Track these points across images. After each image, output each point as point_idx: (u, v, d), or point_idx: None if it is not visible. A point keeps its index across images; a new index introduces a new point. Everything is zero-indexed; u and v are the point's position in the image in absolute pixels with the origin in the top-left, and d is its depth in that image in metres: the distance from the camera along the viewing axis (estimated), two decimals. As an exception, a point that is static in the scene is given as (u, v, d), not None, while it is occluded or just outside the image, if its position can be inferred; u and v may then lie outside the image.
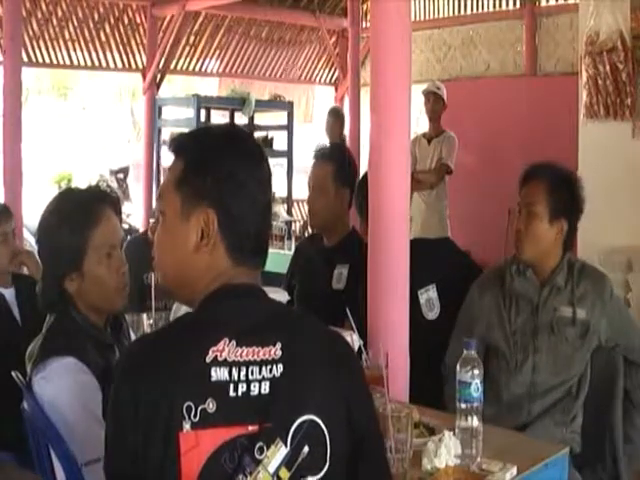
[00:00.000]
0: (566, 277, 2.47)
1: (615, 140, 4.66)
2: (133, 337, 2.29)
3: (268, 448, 1.26)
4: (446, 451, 1.79)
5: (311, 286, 3.20)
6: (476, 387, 1.88)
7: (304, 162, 4.64)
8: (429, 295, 2.85)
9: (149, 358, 1.31)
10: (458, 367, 1.90)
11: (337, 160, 3.17)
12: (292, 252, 4.04)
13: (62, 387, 1.89)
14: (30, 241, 5.91)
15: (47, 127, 14.82)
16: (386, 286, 2.31)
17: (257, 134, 8.06)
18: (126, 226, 5.54)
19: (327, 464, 1.28)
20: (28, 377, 1.97)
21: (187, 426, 1.24)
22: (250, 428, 1.26)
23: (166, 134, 7.75)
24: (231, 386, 1.27)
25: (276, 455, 1.26)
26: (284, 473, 1.26)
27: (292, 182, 7.89)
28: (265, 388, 1.28)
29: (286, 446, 1.26)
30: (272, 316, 1.36)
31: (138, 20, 7.72)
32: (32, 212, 4.98)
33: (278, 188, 8.20)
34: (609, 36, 4.60)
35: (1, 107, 5.08)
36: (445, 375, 2.58)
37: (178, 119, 7.97)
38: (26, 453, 2.04)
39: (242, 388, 1.27)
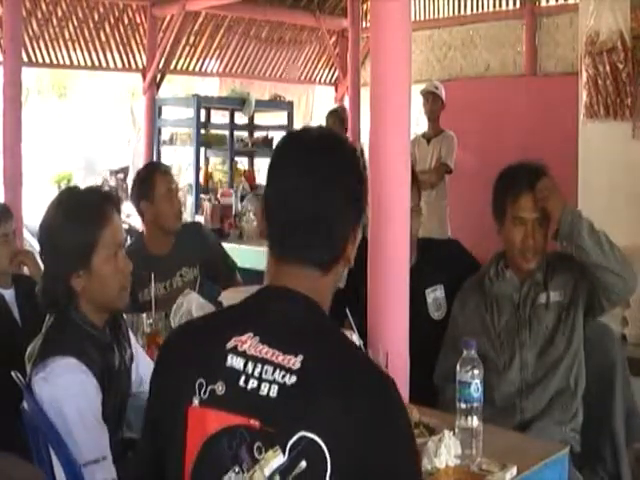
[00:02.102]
0: (545, 270, 2.49)
1: (615, 140, 4.66)
2: (132, 337, 2.30)
3: (266, 451, 1.26)
4: (446, 451, 1.79)
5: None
6: (476, 387, 1.88)
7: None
8: (436, 295, 2.85)
9: (181, 338, 1.43)
10: (458, 367, 1.91)
11: None
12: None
13: (62, 387, 1.89)
14: (30, 241, 5.91)
15: (47, 127, 14.81)
16: (386, 286, 2.31)
17: (257, 134, 8.07)
18: (126, 226, 5.54)
19: None
20: (28, 377, 1.97)
21: (196, 401, 1.31)
22: (252, 422, 1.28)
23: (166, 134, 7.75)
24: (243, 377, 1.30)
25: (273, 460, 1.26)
26: None
27: (292, 182, 7.88)
28: (274, 392, 1.28)
29: (284, 455, 1.26)
30: (304, 327, 1.34)
31: (138, 20, 7.72)
32: (32, 212, 4.98)
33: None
34: (609, 36, 4.60)
35: (1, 107, 5.07)
36: (439, 386, 2.57)
37: (178, 119, 7.97)
38: (26, 453, 2.04)
39: (252, 384, 1.29)
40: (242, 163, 8.07)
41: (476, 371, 1.88)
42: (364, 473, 1.25)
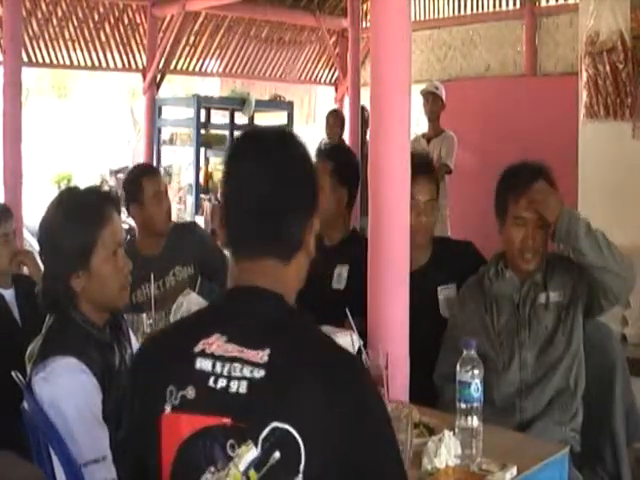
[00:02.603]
0: (544, 271, 2.49)
1: (615, 140, 4.66)
2: (133, 337, 2.30)
3: (239, 446, 1.29)
4: (446, 451, 1.79)
5: (310, 286, 3.19)
6: (476, 387, 1.88)
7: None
8: (449, 293, 2.84)
9: (150, 349, 1.46)
10: (458, 367, 1.91)
11: (336, 159, 3.16)
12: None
13: (62, 387, 1.89)
14: (30, 241, 5.91)
15: (47, 127, 14.81)
16: (386, 286, 2.31)
17: (257, 134, 8.05)
18: (126, 226, 5.54)
19: (300, 477, 1.26)
20: (28, 377, 1.97)
21: (168, 409, 1.33)
22: (224, 420, 1.30)
23: (166, 134, 7.75)
24: (212, 378, 1.32)
25: (246, 455, 1.28)
26: (253, 475, 1.28)
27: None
28: (243, 388, 1.30)
29: (257, 448, 1.27)
30: (271, 322, 1.37)
31: (138, 20, 7.72)
32: (32, 212, 4.98)
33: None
34: (609, 36, 4.59)
35: (1, 107, 5.07)
36: (439, 386, 2.57)
37: (178, 119, 7.97)
38: (27, 453, 2.04)
39: (222, 383, 1.32)
40: (242, 163, 8.06)
41: (476, 371, 1.89)
42: (342, 459, 1.27)
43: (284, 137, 1.47)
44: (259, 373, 1.29)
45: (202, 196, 6.75)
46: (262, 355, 1.31)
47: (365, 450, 1.29)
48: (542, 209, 2.39)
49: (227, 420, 1.29)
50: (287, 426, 1.26)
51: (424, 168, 2.89)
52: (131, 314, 2.72)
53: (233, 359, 1.32)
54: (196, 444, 1.31)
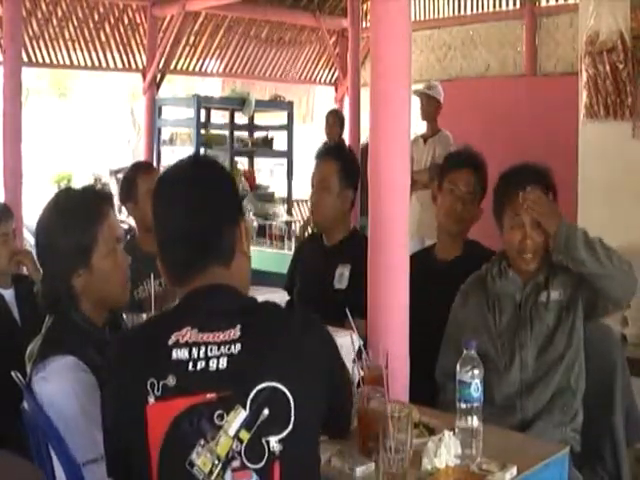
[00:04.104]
0: (547, 273, 2.49)
1: (615, 140, 4.65)
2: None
3: (228, 414, 1.36)
4: (446, 451, 1.79)
5: (312, 286, 3.19)
6: (476, 387, 1.88)
7: (304, 162, 4.64)
8: None
9: (124, 347, 1.53)
10: (458, 367, 1.90)
11: (343, 159, 3.16)
12: (292, 252, 4.03)
13: (62, 386, 1.89)
14: (30, 241, 5.91)
15: (47, 127, 14.81)
16: (386, 286, 2.31)
17: (257, 134, 8.06)
18: (126, 226, 5.54)
19: (291, 425, 1.37)
20: (28, 377, 1.97)
21: (152, 400, 1.39)
22: (208, 396, 1.37)
23: (166, 134, 7.75)
24: (190, 363, 1.40)
25: (236, 419, 1.35)
26: (244, 434, 1.36)
27: (292, 182, 7.89)
28: (223, 363, 1.39)
29: (245, 410, 1.36)
30: (236, 306, 1.49)
31: (138, 20, 7.73)
32: (32, 212, 4.98)
33: (278, 188, 8.21)
34: (609, 36, 4.59)
35: (1, 107, 5.07)
36: (440, 382, 2.57)
37: (178, 119, 7.97)
38: (26, 452, 2.04)
39: (201, 364, 1.40)
40: (242, 163, 8.08)
41: (476, 371, 1.88)
42: (323, 399, 1.47)
43: (194, 169, 1.63)
44: (236, 348, 1.40)
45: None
46: (234, 332, 1.41)
47: (338, 388, 1.57)
48: (541, 221, 2.39)
49: (212, 395, 1.37)
50: (274, 383, 1.37)
51: (470, 161, 2.99)
52: (131, 314, 2.72)
53: (208, 343, 1.41)
54: (182, 423, 1.37)
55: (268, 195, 7.82)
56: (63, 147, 14.73)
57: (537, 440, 2.21)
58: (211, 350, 1.40)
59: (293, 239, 6.20)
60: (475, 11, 7.88)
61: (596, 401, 2.47)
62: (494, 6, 7.71)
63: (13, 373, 2.00)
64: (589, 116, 4.72)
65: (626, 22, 4.57)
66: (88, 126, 15.37)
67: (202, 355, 1.40)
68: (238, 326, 1.42)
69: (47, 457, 1.89)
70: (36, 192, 8.21)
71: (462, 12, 7.99)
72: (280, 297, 2.80)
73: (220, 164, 1.70)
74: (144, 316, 2.85)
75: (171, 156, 8.27)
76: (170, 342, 1.42)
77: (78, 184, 2.33)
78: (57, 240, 2.00)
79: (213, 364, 1.39)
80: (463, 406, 1.89)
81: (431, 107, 5.94)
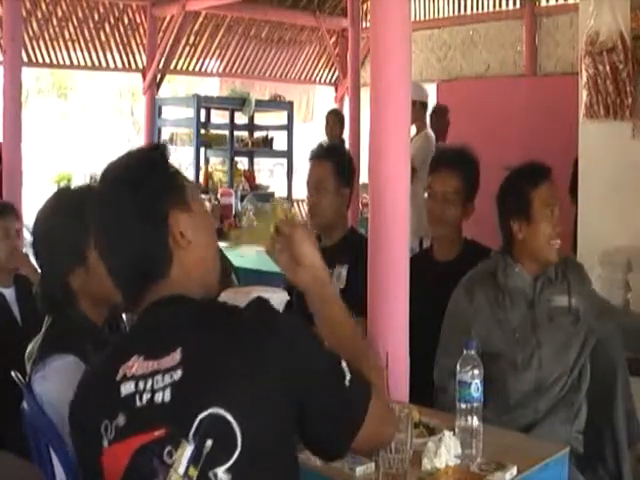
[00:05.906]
0: (555, 269, 2.50)
1: (615, 140, 4.65)
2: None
3: (176, 451, 1.29)
4: (446, 451, 1.79)
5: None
6: (476, 387, 1.88)
7: (304, 162, 4.64)
8: None
9: (81, 390, 1.46)
10: (458, 367, 1.90)
11: (336, 159, 3.16)
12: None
13: (62, 386, 1.88)
14: (30, 240, 5.90)
15: (47, 127, 14.82)
16: (386, 286, 2.31)
17: (257, 134, 8.07)
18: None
19: (237, 451, 1.27)
20: (28, 377, 1.97)
21: (106, 444, 1.34)
22: (156, 433, 1.30)
23: (166, 134, 7.75)
24: (137, 397, 1.33)
25: (183, 455, 1.28)
26: (192, 471, 1.28)
27: (292, 182, 7.89)
28: (167, 395, 1.31)
29: (190, 445, 1.28)
30: (175, 324, 1.38)
31: (138, 20, 7.73)
32: (32, 212, 4.97)
33: (278, 188, 8.22)
34: (609, 36, 4.59)
35: (1, 107, 5.07)
36: (442, 379, 2.55)
37: (178, 119, 7.97)
38: (26, 453, 2.04)
39: (147, 397, 1.32)
40: (242, 163, 8.08)
41: (476, 371, 1.88)
42: (277, 417, 1.31)
43: (102, 189, 1.55)
44: (177, 374, 1.31)
45: (202, 196, 6.75)
46: (174, 356, 1.32)
47: (313, 387, 1.34)
48: None
49: (160, 431, 1.30)
50: (213, 410, 1.27)
51: (449, 160, 2.98)
52: (131, 314, 2.72)
53: (153, 373, 1.33)
54: (135, 466, 1.31)
55: (268, 195, 7.83)
56: (63, 147, 14.73)
57: (537, 440, 2.22)
58: (157, 382, 1.32)
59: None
60: (475, 11, 7.89)
61: (598, 402, 2.47)
62: (494, 6, 7.72)
63: (13, 373, 2.00)
64: (589, 116, 4.72)
65: (626, 22, 4.56)
66: (88, 126, 15.37)
67: (148, 388, 1.32)
68: (179, 349, 1.32)
69: (47, 457, 1.89)
70: (36, 192, 8.21)
71: (462, 12, 7.99)
72: (280, 297, 2.79)
73: (128, 166, 1.55)
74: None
75: (171, 156, 8.28)
76: (118, 377, 1.35)
77: (74, 185, 2.32)
78: (53, 239, 2.00)
79: (158, 397, 1.31)
80: (463, 406, 1.89)
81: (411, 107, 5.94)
